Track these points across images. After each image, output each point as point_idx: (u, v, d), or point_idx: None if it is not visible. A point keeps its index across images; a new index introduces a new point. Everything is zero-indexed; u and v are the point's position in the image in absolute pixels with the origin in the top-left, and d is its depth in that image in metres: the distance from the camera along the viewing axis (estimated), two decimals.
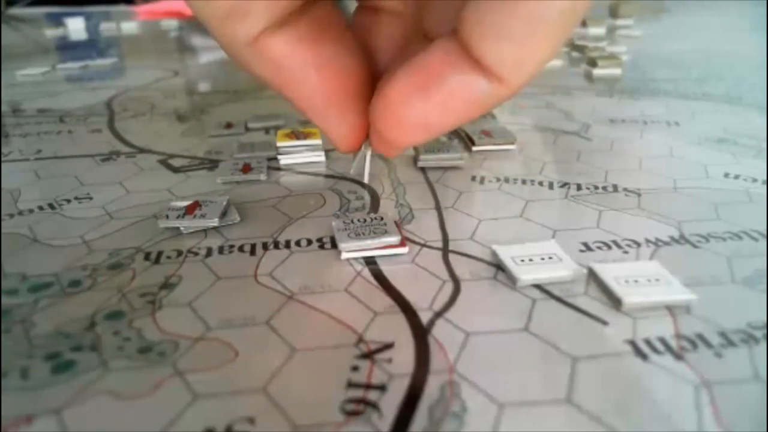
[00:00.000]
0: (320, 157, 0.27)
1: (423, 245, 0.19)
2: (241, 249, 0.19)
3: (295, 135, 0.28)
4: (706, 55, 0.56)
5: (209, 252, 0.19)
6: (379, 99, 0.14)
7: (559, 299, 0.16)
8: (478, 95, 0.13)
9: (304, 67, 0.15)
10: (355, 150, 0.18)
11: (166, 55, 0.64)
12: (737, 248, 0.19)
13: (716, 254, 0.18)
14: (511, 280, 0.17)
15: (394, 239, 0.18)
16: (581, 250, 0.19)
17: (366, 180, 0.19)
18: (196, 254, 0.19)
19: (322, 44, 0.15)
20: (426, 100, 0.14)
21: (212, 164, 0.27)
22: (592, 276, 0.17)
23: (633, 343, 0.14)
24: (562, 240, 0.19)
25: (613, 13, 0.78)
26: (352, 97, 0.16)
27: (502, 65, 0.12)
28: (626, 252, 0.19)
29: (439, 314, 0.15)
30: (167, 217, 0.20)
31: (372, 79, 0.17)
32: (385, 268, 0.18)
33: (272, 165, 0.27)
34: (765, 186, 0.24)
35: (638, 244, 0.19)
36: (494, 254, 0.18)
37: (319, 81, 0.15)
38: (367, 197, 0.23)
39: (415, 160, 0.26)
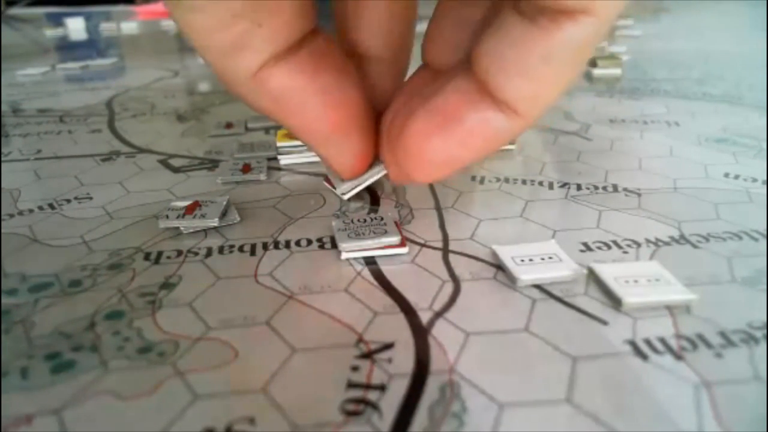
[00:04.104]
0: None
1: (423, 245, 0.19)
2: (241, 249, 0.19)
3: None
4: (706, 55, 0.56)
5: (209, 252, 0.19)
6: (399, 139, 0.15)
7: (559, 299, 0.16)
8: (496, 131, 0.14)
9: (305, 98, 0.15)
10: (356, 175, 0.18)
11: (166, 55, 0.64)
12: (737, 248, 0.19)
13: (716, 254, 0.18)
14: (511, 280, 0.17)
15: (394, 239, 0.18)
16: (581, 250, 0.19)
17: (347, 197, 0.19)
18: (196, 254, 0.19)
19: (322, 74, 0.15)
20: (446, 140, 0.14)
21: (212, 164, 0.27)
22: (592, 276, 0.17)
23: (633, 343, 0.14)
24: (562, 240, 0.19)
25: None
26: (353, 125, 0.16)
27: (520, 100, 0.13)
28: (626, 252, 0.19)
29: (439, 314, 0.15)
30: (167, 217, 0.20)
31: (372, 106, 0.17)
32: (385, 268, 0.18)
33: (272, 165, 0.27)
34: (765, 186, 0.24)
35: (638, 244, 0.19)
36: (494, 254, 0.18)
37: (320, 111, 0.15)
38: (367, 197, 0.23)
39: None
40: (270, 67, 0.14)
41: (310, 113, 0.15)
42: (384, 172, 0.23)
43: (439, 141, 0.14)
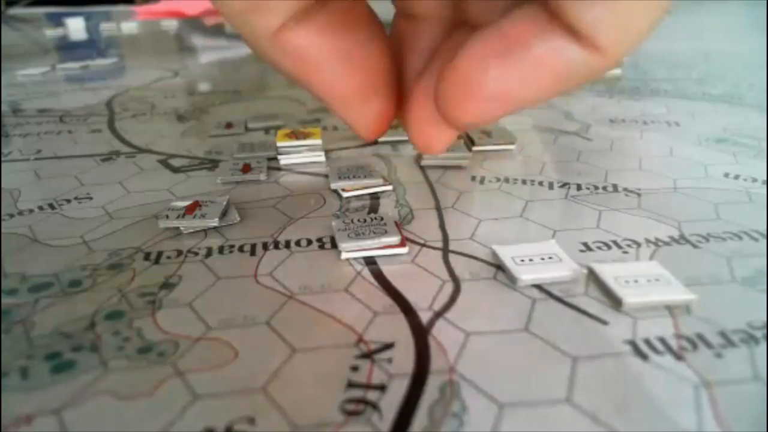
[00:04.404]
0: (320, 157, 0.27)
1: (423, 245, 0.19)
2: (241, 249, 0.19)
3: (295, 135, 0.28)
4: (706, 55, 0.56)
5: (209, 252, 0.19)
6: (446, 72, 0.13)
7: (559, 299, 0.16)
8: (569, 65, 0.11)
9: (326, 58, 0.14)
10: (377, 137, 0.17)
11: (166, 55, 0.64)
12: (737, 248, 0.19)
13: (716, 254, 0.18)
14: (511, 280, 0.17)
15: (394, 239, 0.18)
16: (581, 250, 0.19)
17: None
18: (196, 254, 0.19)
19: (344, 34, 0.14)
20: (506, 68, 0.12)
21: (212, 164, 0.27)
22: (592, 276, 0.17)
23: (633, 343, 0.14)
24: (562, 240, 0.19)
25: None
26: (375, 85, 0.16)
27: (601, 30, 0.11)
28: (626, 252, 0.19)
29: (439, 314, 0.15)
30: (167, 217, 0.20)
31: (398, 68, 0.16)
32: (385, 268, 0.18)
33: (272, 165, 0.27)
34: (765, 186, 0.24)
35: (638, 244, 0.19)
36: (494, 254, 0.18)
37: (342, 71, 0.15)
38: (367, 197, 0.23)
39: (418, 158, 0.27)
40: (290, 28, 0.14)
41: (331, 75, 0.15)
42: (382, 187, 0.23)
43: (498, 70, 0.12)
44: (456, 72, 0.12)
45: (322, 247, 0.19)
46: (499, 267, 0.18)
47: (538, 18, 0.11)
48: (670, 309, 0.15)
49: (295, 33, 0.14)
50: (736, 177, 0.25)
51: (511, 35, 0.12)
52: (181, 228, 0.20)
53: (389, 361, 0.14)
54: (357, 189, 0.23)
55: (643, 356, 0.14)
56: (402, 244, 0.18)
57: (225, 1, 0.13)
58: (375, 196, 0.23)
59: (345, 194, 0.23)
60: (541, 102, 0.13)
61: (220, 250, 0.19)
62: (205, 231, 0.20)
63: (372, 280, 0.17)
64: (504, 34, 0.12)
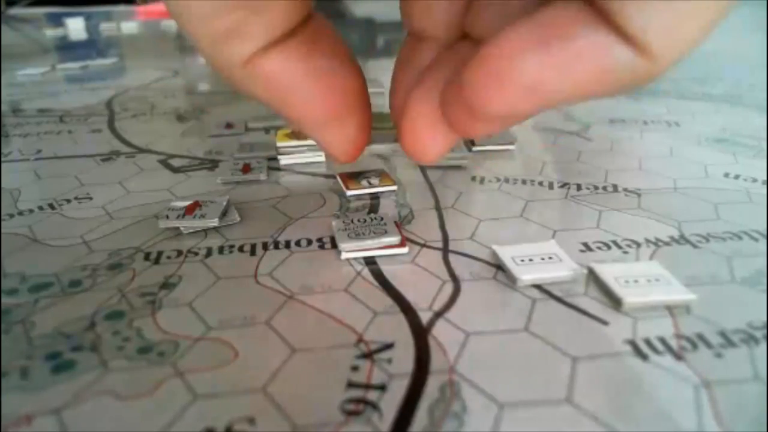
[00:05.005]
0: (320, 157, 0.27)
1: (423, 245, 0.19)
2: (241, 249, 0.19)
3: (295, 135, 0.28)
4: (706, 55, 0.56)
5: (209, 252, 0.19)
6: (478, 59, 0.12)
7: (559, 299, 0.16)
8: (613, 64, 0.11)
9: (299, 82, 0.15)
10: (353, 161, 0.18)
11: (166, 55, 0.64)
12: (737, 248, 0.19)
13: (716, 254, 0.18)
14: (511, 280, 0.17)
15: (394, 239, 0.18)
16: (581, 250, 0.19)
17: None
18: (196, 254, 0.19)
19: (315, 60, 0.15)
20: (544, 57, 0.11)
21: (212, 164, 0.27)
22: (592, 276, 0.17)
23: (633, 343, 0.14)
24: (562, 240, 0.19)
25: None
26: (348, 110, 0.16)
27: (652, 34, 0.10)
28: (626, 252, 0.19)
29: (439, 314, 0.15)
30: (167, 217, 0.20)
31: (367, 93, 0.17)
32: (385, 268, 0.18)
33: (272, 165, 0.27)
34: (765, 186, 0.24)
35: (638, 244, 0.19)
36: (494, 254, 0.18)
37: (315, 94, 0.15)
38: (367, 197, 0.23)
39: None
40: (263, 53, 0.14)
41: (304, 99, 0.15)
42: (385, 187, 0.23)
43: (537, 57, 0.11)
44: (490, 59, 0.11)
45: (322, 247, 0.19)
46: (499, 267, 0.18)
47: (582, 13, 0.11)
48: (670, 309, 0.15)
49: (267, 59, 0.14)
50: (736, 177, 0.25)
51: (553, 26, 0.11)
52: (181, 228, 0.20)
53: (389, 361, 0.14)
54: (362, 188, 0.23)
55: (643, 356, 0.14)
56: (402, 244, 0.18)
57: (200, 26, 0.13)
58: (375, 196, 0.23)
59: (348, 192, 0.23)
60: (577, 101, 0.12)
61: (220, 250, 0.19)
62: (205, 231, 0.20)
63: (372, 280, 0.17)
64: (544, 24, 0.11)
